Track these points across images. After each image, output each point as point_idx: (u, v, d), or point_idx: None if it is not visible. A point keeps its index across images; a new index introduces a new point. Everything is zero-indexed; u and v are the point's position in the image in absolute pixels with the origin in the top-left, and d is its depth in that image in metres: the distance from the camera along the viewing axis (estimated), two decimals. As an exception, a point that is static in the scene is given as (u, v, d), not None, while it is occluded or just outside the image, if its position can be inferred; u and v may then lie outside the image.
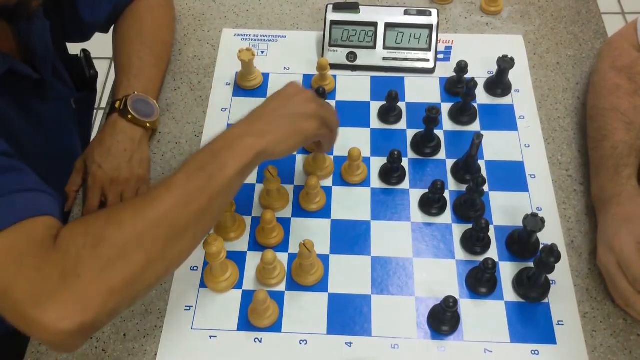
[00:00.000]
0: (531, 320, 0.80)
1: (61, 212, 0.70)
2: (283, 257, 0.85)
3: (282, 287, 0.83)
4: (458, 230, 0.87)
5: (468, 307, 0.81)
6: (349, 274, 0.84)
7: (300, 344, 0.78)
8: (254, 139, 0.70)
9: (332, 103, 1.01)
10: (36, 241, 0.62)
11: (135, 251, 0.63)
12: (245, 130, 0.72)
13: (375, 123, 0.99)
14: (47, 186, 0.69)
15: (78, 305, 0.59)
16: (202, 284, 0.83)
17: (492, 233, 0.87)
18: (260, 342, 0.79)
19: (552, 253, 0.75)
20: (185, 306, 0.82)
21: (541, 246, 0.83)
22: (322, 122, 0.77)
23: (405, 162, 0.94)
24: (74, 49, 1.06)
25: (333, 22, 1.04)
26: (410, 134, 0.98)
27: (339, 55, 1.05)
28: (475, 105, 1.00)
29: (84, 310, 0.59)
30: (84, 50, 1.06)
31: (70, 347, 0.62)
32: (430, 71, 1.05)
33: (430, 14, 1.03)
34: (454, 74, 1.01)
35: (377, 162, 0.94)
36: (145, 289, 0.66)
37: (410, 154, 0.96)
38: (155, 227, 0.64)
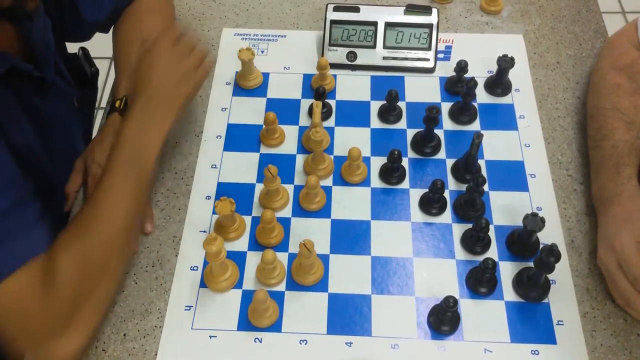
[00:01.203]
0: (531, 320, 0.80)
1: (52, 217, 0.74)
2: (283, 257, 0.85)
3: (282, 286, 0.83)
4: (458, 229, 0.87)
5: (468, 307, 0.81)
6: (349, 274, 0.84)
7: (300, 343, 0.78)
8: (159, 131, 0.80)
9: (332, 103, 1.01)
10: (32, 286, 0.70)
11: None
12: (148, 129, 0.79)
13: (375, 122, 0.99)
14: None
15: (79, 334, 0.72)
16: (202, 284, 0.83)
17: (492, 233, 0.87)
18: (260, 342, 0.79)
19: (552, 253, 0.75)
20: (185, 306, 0.82)
21: (541, 246, 0.83)
22: (193, 81, 0.85)
23: (405, 162, 0.94)
24: (72, 48, 1.05)
25: (333, 22, 1.04)
26: (410, 133, 0.98)
27: (339, 54, 1.05)
28: (475, 104, 1.00)
29: (83, 337, 0.72)
30: (83, 49, 1.06)
31: None
32: (430, 70, 1.05)
33: (430, 13, 1.03)
34: (454, 74, 1.01)
35: (377, 162, 0.94)
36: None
37: (410, 154, 0.96)
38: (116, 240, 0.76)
